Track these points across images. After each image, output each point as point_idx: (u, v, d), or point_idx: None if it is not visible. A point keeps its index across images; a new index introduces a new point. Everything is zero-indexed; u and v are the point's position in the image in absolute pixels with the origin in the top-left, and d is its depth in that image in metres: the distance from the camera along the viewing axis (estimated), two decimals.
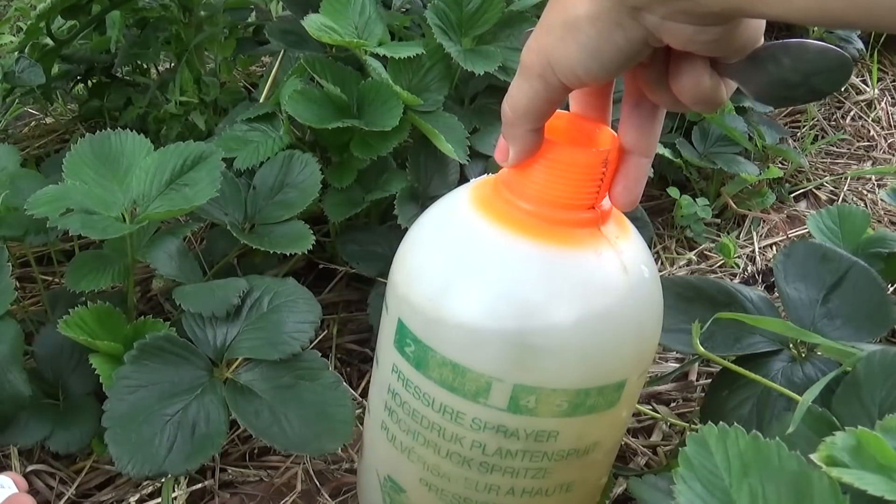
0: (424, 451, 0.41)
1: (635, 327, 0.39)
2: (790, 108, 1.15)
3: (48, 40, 0.81)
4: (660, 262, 0.87)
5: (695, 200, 0.89)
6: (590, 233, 0.38)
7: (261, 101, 0.74)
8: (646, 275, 0.40)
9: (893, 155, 1.10)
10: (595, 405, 0.39)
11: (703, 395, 0.65)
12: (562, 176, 0.37)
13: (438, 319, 0.38)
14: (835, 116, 1.16)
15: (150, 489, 0.56)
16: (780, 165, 1.00)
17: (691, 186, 0.95)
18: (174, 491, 0.55)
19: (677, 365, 0.70)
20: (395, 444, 0.43)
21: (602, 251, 0.38)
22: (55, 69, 0.87)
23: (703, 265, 0.86)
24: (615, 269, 0.38)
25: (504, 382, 0.37)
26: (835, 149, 1.10)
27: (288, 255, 0.62)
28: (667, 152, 0.85)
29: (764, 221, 0.94)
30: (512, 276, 0.37)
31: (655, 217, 0.91)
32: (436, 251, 0.40)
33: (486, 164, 0.70)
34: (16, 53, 0.80)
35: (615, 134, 0.38)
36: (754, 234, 0.92)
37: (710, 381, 0.67)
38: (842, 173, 1.04)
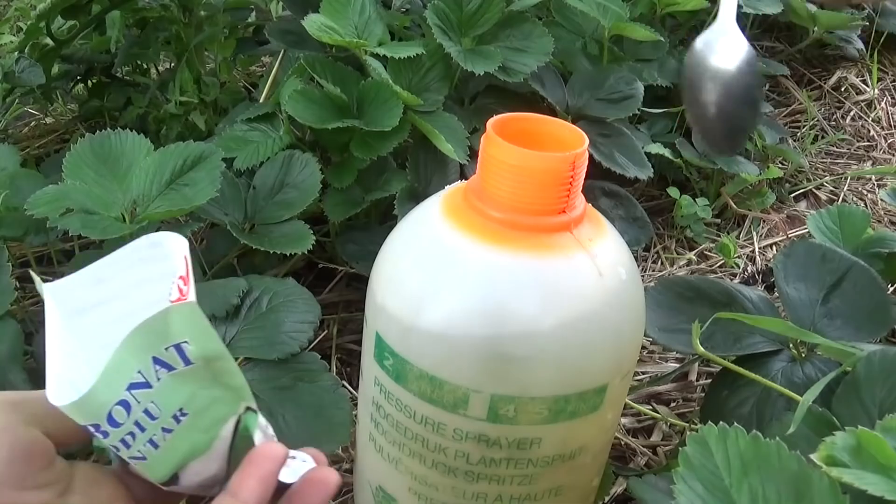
0: (411, 462, 0.41)
1: (613, 331, 0.38)
2: (791, 108, 1.15)
3: (48, 40, 0.81)
4: (660, 262, 0.87)
5: (695, 200, 0.89)
6: (562, 237, 0.37)
7: (261, 101, 0.74)
8: (623, 276, 0.39)
9: (893, 155, 1.09)
10: (577, 410, 0.38)
11: (703, 395, 0.65)
12: (529, 182, 0.36)
13: (413, 332, 0.38)
14: (835, 116, 1.16)
15: None
16: (780, 165, 1.00)
17: (691, 186, 0.95)
18: None
19: (677, 365, 0.70)
20: (383, 455, 0.43)
21: (574, 256, 0.37)
22: (55, 69, 0.87)
23: (703, 265, 0.86)
24: (589, 273, 0.37)
25: (481, 393, 0.37)
26: (835, 149, 1.10)
27: (288, 255, 0.62)
28: (667, 152, 0.85)
29: (764, 221, 0.94)
30: (482, 285, 0.37)
31: (655, 217, 0.91)
32: (408, 264, 0.40)
33: None
34: (16, 53, 0.80)
35: (584, 134, 0.37)
36: (754, 234, 0.92)
37: (710, 381, 0.67)
38: (842, 173, 1.04)
